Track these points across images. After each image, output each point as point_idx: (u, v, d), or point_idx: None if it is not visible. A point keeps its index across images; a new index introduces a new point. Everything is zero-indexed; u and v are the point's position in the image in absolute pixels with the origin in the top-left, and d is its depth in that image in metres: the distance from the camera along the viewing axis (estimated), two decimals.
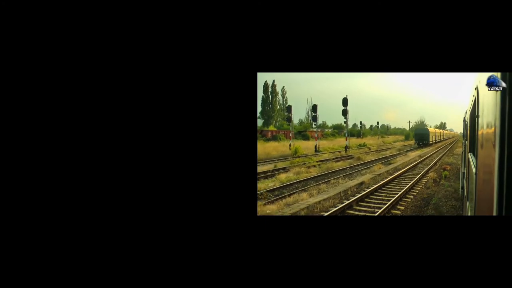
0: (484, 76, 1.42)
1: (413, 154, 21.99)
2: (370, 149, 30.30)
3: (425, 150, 27.59)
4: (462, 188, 5.08)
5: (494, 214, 1.21)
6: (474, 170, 2.30)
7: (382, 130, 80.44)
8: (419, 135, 36.14)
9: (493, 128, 1.27)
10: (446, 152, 24.53)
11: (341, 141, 35.85)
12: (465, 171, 4.22)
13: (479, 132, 1.85)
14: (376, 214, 6.71)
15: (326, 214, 6.63)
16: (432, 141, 38.07)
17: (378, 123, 64.86)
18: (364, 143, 38.34)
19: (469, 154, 3.27)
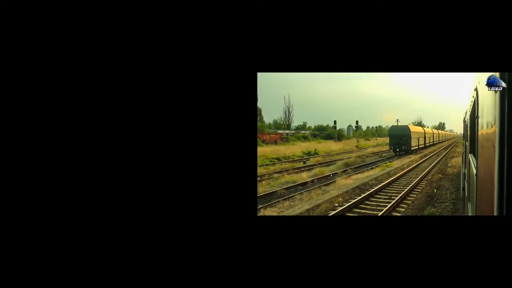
0: (483, 77, 1.42)
1: (352, 182, 10.81)
2: (305, 162, 19.60)
3: (396, 163, 16.28)
4: (463, 189, 5.08)
5: (495, 214, 1.21)
6: (474, 171, 2.30)
7: (372, 131, 75.38)
8: (396, 138, 23.77)
9: (493, 129, 1.27)
10: (434, 167, 14.83)
11: (291, 148, 26.67)
12: (466, 172, 4.22)
13: (479, 133, 1.85)
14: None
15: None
16: (419, 145, 25.96)
17: (357, 122, 48.59)
18: (316, 150, 26.48)
19: (469, 155, 3.26)
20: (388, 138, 26.23)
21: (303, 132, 48.77)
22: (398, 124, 27.10)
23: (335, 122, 41.06)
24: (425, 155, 21.98)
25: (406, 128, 24.66)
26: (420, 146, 26.54)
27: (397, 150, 23.53)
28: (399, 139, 23.42)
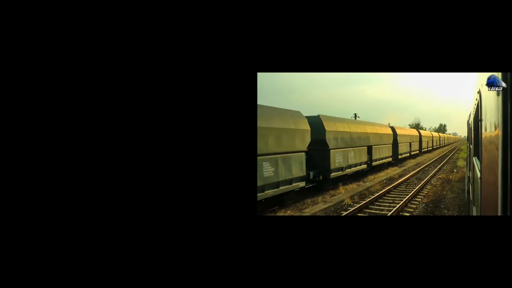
0: (486, 79, 1.41)
1: None
2: None
3: None
4: (468, 192, 5.04)
5: (499, 214, 1.20)
6: (478, 174, 2.28)
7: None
8: None
9: (496, 131, 1.26)
10: None
11: None
12: (470, 175, 4.18)
13: (483, 136, 1.84)
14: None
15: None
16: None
17: None
18: None
19: (473, 158, 3.24)
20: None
21: None
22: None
23: None
24: None
25: None
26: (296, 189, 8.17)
27: None
28: None
